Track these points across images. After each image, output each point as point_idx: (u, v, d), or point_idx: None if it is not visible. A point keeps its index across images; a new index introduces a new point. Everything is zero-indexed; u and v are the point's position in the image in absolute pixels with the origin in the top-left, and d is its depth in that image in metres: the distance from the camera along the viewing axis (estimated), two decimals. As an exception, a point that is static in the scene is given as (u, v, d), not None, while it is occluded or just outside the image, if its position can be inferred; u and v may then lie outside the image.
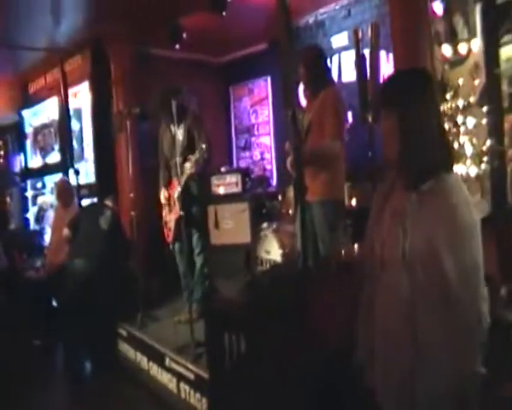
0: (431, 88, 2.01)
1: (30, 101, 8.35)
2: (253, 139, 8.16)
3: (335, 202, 4.08)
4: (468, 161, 4.58)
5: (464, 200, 1.83)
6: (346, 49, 6.39)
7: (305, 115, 4.34)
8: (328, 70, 4.29)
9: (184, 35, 5.91)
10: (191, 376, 4.05)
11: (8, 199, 8.50)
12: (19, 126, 8.60)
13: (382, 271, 1.98)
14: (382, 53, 4.84)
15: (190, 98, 7.46)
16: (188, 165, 4.74)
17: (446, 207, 1.79)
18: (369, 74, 3.87)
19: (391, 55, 5.14)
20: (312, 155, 3.94)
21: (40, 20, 5.94)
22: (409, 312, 1.84)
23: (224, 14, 5.22)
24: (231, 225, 6.43)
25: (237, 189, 6.56)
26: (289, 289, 3.15)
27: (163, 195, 5.19)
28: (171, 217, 5.11)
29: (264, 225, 5.78)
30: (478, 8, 4.89)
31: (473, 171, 4.58)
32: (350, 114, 5.90)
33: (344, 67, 6.44)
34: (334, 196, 4.09)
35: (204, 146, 4.77)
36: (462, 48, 4.92)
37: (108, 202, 5.77)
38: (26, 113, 8.48)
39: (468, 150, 4.58)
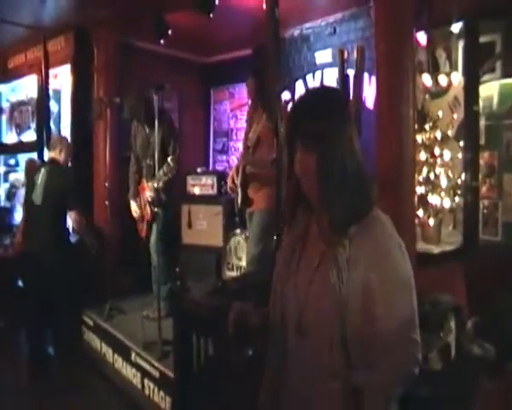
0: (351, 114, 1.76)
1: (8, 76, 8.20)
2: (231, 143, 8.17)
3: (271, 212, 4.34)
4: (443, 193, 4.71)
5: (397, 244, 1.66)
6: (329, 65, 6.46)
7: (252, 126, 4.53)
8: None
9: (170, 31, 5.88)
10: (156, 373, 4.09)
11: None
12: (-5, 100, 8.45)
13: (300, 336, 1.70)
14: (365, 75, 4.93)
15: (171, 96, 7.53)
16: (156, 179, 4.92)
17: (379, 253, 1.60)
18: (351, 95, 3.94)
19: (373, 78, 5.25)
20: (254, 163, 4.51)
21: (26, -3, 5.86)
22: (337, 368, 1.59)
23: (211, 15, 5.21)
24: (204, 227, 6.46)
25: (212, 191, 6.60)
26: (258, 298, 3.18)
27: (133, 208, 5.34)
28: (143, 217, 5.21)
29: (237, 230, 5.83)
30: (461, 44, 5.03)
31: (447, 203, 4.71)
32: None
33: (326, 84, 6.50)
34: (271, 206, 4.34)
35: (172, 164, 4.95)
36: (442, 79, 5.06)
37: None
38: (3, 87, 8.34)
39: (444, 182, 4.70)
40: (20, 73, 7.92)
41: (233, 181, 4.77)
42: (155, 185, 4.92)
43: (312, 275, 1.67)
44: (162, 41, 5.91)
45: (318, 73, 6.61)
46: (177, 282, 5.10)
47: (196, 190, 6.71)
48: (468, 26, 4.90)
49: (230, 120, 8.17)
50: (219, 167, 8.20)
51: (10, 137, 8.22)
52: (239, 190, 4.67)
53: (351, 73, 3.92)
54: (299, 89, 6.83)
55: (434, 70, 5.17)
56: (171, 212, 5.20)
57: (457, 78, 5.00)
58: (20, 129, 7.95)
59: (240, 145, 7.87)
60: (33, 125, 7.64)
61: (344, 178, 1.63)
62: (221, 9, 5.13)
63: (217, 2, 5.10)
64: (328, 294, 1.59)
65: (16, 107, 8.07)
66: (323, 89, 2.07)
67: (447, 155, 4.79)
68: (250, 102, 4.93)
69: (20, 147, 7.87)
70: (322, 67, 6.56)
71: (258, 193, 4.56)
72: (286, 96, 6.74)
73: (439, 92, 5.12)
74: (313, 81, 6.65)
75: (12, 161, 8.08)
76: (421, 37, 5.10)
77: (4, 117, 8.36)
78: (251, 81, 4.70)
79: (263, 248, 4.46)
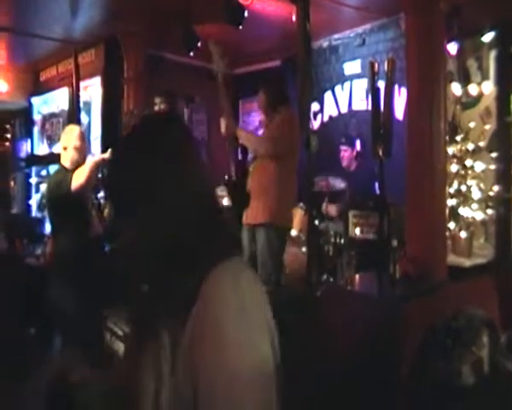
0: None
1: (40, 88, 8.36)
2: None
3: (279, 229, 4.21)
4: (475, 205, 4.65)
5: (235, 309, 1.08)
6: (358, 77, 6.45)
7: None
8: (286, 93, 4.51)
9: (199, 43, 5.93)
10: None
11: (11, 183, 8.46)
12: (28, 113, 8.60)
13: None
14: (395, 87, 4.91)
15: (200, 108, 7.60)
16: None
17: (210, 350, 1.05)
18: (382, 107, 3.92)
19: (403, 89, 5.22)
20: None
21: (58, 10, 5.95)
22: None
23: (240, 27, 5.24)
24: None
25: (241, 202, 6.58)
26: (291, 312, 3.19)
27: None
28: None
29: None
30: (492, 54, 4.97)
31: (478, 215, 4.65)
32: (358, 143, 5.97)
33: (355, 95, 6.49)
34: (278, 222, 4.21)
35: None
36: (473, 89, 5.01)
37: None
38: (35, 100, 8.48)
39: (476, 194, 4.64)
40: (51, 85, 8.06)
41: None
42: None
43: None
44: (191, 53, 5.95)
45: (347, 84, 6.60)
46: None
47: (225, 202, 6.71)
48: (499, 35, 4.85)
49: (259, 130, 8.15)
50: (248, 178, 8.18)
51: (42, 149, 8.34)
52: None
53: (381, 84, 3.90)
54: (328, 100, 6.82)
55: (465, 80, 5.13)
56: None
57: (489, 87, 4.94)
58: (52, 140, 8.07)
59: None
60: (64, 137, 7.74)
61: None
62: (250, 21, 5.15)
63: (246, 14, 5.12)
64: None
65: (48, 119, 8.19)
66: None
67: (479, 166, 4.74)
68: (264, 117, 4.91)
69: (52, 158, 7.95)
70: (351, 78, 6.55)
71: (259, 206, 4.27)
72: (315, 107, 6.74)
73: (470, 103, 5.07)
74: (342, 92, 6.64)
75: (43, 172, 8.19)
76: (452, 47, 5.07)
77: (36, 129, 8.50)
78: (262, 96, 4.66)
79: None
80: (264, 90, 4.72)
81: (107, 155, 4.09)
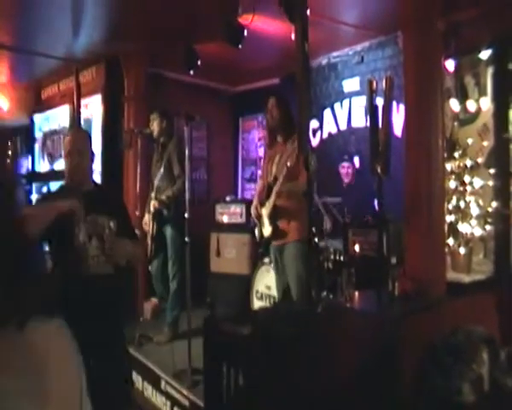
0: None
1: (42, 106, 8.42)
2: (260, 172, 8.16)
3: (305, 243, 4.33)
4: (474, 221, 4.66)
5: None
6: (357, 94, 6.49)
7: (277, 158, 4.55)
8: (294, 118, 4.55)
9: (199, 62, 5.97)
10: (186, 402, 4.10)
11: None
12: (29, 130, 8.67)
13: None
14: (393, 103, 4.94)
15: (200, 125, 7.66)
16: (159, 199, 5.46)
17: None
18: (381, 125, 3.94)
19: (401, 106, 5.25)
20: (290, 190, 4.43)
21: (60, 29, 6.02)
22: None
23: (240, 46, 5.28)
24: (233, 255, 6.47)
25: (241, 219, 6.62)
26: (291, 329, 3.20)
27: (144, 220, 5.61)
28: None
29: (267, 259, 5.79)
30: (489, 71, 5.01)
31: (477, 231, 4.66)
32: (357, 160, 6.00)
33: (354, 112, 6.53)
34: (304, 236, 4.36)
35: (179, 185, 5.38)
36: (471, 105, 5.04)
37: None
38: (37, 117, 8.56)
39: (474, 210, 4.66)
40: (52, 103, 8.13)
41: (257, 210, 4.79)
42: (161, 197, 5.39)
43: None
44: (191, 72, 6.00)
45: (346, 102, 6.64)
46: (207, 311, 5.13)
47: (225, 219, 6.75)
48: (496, 52, 4.88)
49: (259, 148, 8.21)
50: (248, 196, 8.21)
51: (43, 166, 8.39)
52: (266, 221, 4.67)
53: (379, 101, 3.93)
54: (327, 117, 6.86)
55: (463, 97, 5.16)
56: (181, 237, 5.19)
57: (486, 104, 4.97)
58: (53, 158, 8.12)
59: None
60: (65, 155, 7.77)
61: None
62: (249, 40, 5.19)
63: (245, 34, 5.16)
64: None
65: (49, 136, 8.25)
66: None
67: (477, 182, 4.76)
68: (267, 133, 4.93)
69: (53, 175, 8.01)
70: (350, 95, 6.59)
71: (289, 225, 4.53)
72: (314, 124, 6.78)
73: (468, 119, 5.10)
74: (341, 110, 6.68)
75: (44, 189, 8.22)
76: (450, 64, 5.11)
77: (37, 146, 8.55)
78: (276, 111, 4.67)
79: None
80: (278, 106, 4.68)
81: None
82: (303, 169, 4.20)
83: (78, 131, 3.81)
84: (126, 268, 3.22)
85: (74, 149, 3.12)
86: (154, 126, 5.71)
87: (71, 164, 3.13)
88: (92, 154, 3.26)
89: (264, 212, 4.68)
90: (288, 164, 4.26)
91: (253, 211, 4.89)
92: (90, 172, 3.27)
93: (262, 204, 4.73)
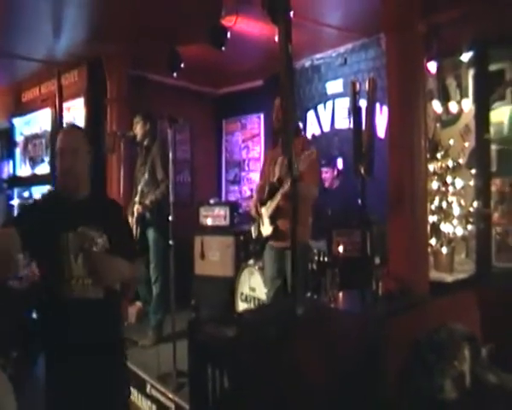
0: None
1: (22, 109, 8.33)
2: (243, 174, 8.23)
3: (307, 246, 4.53)
4: (455, 221, 4.71)
5: None
6: (340, 96, 6.53)
7: (280, 160, 4.55)
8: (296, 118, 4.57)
9: (182, 64, 5.96)
10: (172, 405, 4.08)
11: (-6, 204, 8.41)
12: (9, 134, 8.56)
13: None
14: (376, 105, 4.97)
15: (183, 128, 7.65)
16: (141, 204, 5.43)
17: None
18: (364, 126, 3.96)
19: (384, 108, 5.28)
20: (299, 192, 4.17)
21: (40, 31, 5.95)
22: None
23: (223, 48, 5.28)
24: (217, 257, 6.46)
25: (225, 222, 6.62)
26: (276, 330, 3.20)
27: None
28: None
29: (251, 261, 5.82)
30: (470, 73, 5.07)
31: (459, 231, 4.71)
32: (341, 161, 6.03)
33: (337, 114, 6.56)
34: (306, 239, 4.54)
35: (162, 188, 5.37)
36: (453, 107, 5.09)
37: None
38: (17, 121, 8.45)
39: (456, 210, 4.70)
40: (33, 106, 8.04)
41: (256, 209, 4.80)
42: (145, 202, 5.40)
43: None
44: (175, 74, 5.98)
45: (329, 103, 6.67)
46: (192, 314, 5.10)
47: (209, 221, 6.74)
48: (477, 54, 4.94)
49: (242, 150, 8.23)
50: (232, 198, 8.23)
51: (24, 170, 8.30)
52: (266, 221, 4.67)
53: (362, 103, 3.95)
54: (311, 119, 6.88)
55: (445, 98, 5.21)
56: (165, 240, 5.16)
57: (468, 105, 5.02)
58: (34, 162, 8.04)
59: (253, 175, 7.93)
60: (47, 158, 7.71)
61: None
62: (233, 42, 5.19)
63: (229, 36, 5.16)
64: None
65: (30, 140, 8.16)
66: None
67: (459, 183, 4.80)
68: (272, 133, 4.94)
69: (34, 180, 7.93)
70: (334, 97, 6.62)
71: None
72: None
73: (449, 121, 5.15)
74: (324, 111, 6.70)
75: (26, 194, 8.14)
76: (432, 65, 5.15)
77: (18, 150, 8.45)
78: (281, 112, 4.59)
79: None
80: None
81: None
82: (311, 172, 4.25)
83: (72, 128, 3.12)
84: (119, 293, 2.77)
85: (67, 149, 2.60)
86: (138, 129, 5.69)
87: (62, 166, 2.60)
88: (89, 156, 2.72)
89: (265, 211, 4.69)
90: (301, 169, 4.24)
91: (252, 209, 4.90)
92: (86, 176, 2.71)
93: (262, 203, 4.74)
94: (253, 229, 4.94)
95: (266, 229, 4.71)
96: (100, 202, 2.89)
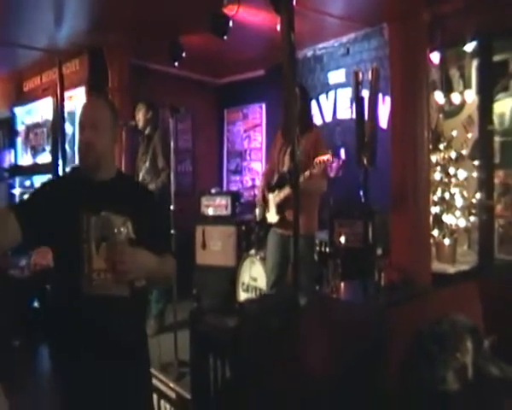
0: None
1: (23, 98, 8.30)
2: (245, 164, 8.19)
3: (313, 237, 4.57)
4: (458, 212, 4.70)
5: None
6: (342, 86, 6.49)
7: (285, 149, 4.53)
8: (311, 111, 4.50)
9: (184, 54, 5.93)
10: (173, 395, 4.07)
11: (-5, 192, 8.40)
12: (11, 123, 8.54)
13: None
14: (379, 95, 4.95)
15: (185, 117, 7.63)
16: None
17: None
18: (367, 116, 3.95)
19: (387, 98, 5.26)
20: (305, 188, 4.18)
21: (41, 20, 5.91)
22: None
23: (225, 37, 5.25)
24: (218, 247, 6.45)
25: (226, 211, 6.59)
26: (278, 320, 3.20)
27: None
28: None
29: (252, 251, 5.82)
30: (474, 64, 5.04)
31: (462, 222, 4.70)
32: (343, 152, 6.00)
33: (339, 104, 6.53)
34: (313, 231, 4.55)
35: (162, 177, 5.43)
36: (456, 97, 5.07)
37: None
38: (18, 110, 8.42)
39: (459, 202, 4.70)
40: (35, 95, 8.01)
41: (263, 194, 4.80)
42: None
43: None
44: (176, 63, 5.95)
45: (332, 94, 6.64)
46: (193, 303, 5.11)
47: (210, 211, 6.72)
48: (481, 45, 4.91)
49: (244, 140, 8.20)
50: (233, 188, 8.21)
51: (26, 159, 8.29)
52: (272, 209, 4.69)
53: (365, 93, 3.93)
54: (313, 109, 6.85)
55: (448, 89, 5.19)
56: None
57: (471, 96, 5.00)
58: (36, 151, 8.03)
59: (254, 165, 7.91)
60: (48, 147, 7.69)
61: None
62: (235, 31, 5.16)
63: (231, 25, 5.14)
64: None
65: (31, 129, 8.14)
66: None
67: (462, 174, 4.79)
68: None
69: (36, 169, 7.91)
70: (336, 87, 6.58)
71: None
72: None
73: (452, 111, 5.13)
74: (327, 101, 6.68)
75: (27, 183, 8.12)
76: (435, 56, 5.12)
77: (20, 139, 8.44)
78: (298, 102, 4.48)
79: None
80: (301, 100, 4.59)
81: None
82: (317, 166, 4.23)
83: (94, 99, 2.69)
84: (145, 291, 2.52)
85: (87, 122, 2.35)
86: (140, 117, 5.69)
87: (81, 142, 2.35)
88: (115, 131, 2.46)
89: (272, 199, 4.69)
90: (314, 171, 4.25)
91: (259, 194, 4.91)
92: (110, 154, 2.44)
93: (270, 189, 4.74)
94: (257, 212, 4.95)
95: (272, 216, 4.71)
96: (127, 185, 2.58)
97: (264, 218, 4.83)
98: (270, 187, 4.77)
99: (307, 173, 4.28)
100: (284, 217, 4.60)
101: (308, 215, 4.40)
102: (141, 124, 5.68)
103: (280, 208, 4.63)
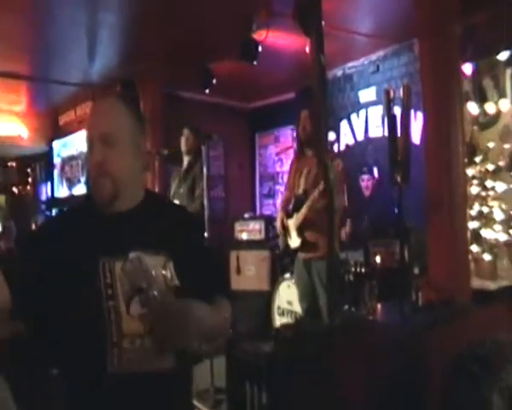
0: None
1: (60, 132, 8.52)
2: (277, 187, 8.18)
3: (337, 257, 4.43)
4: (497, 226, 4.57)
5: None
6: (373, 104, 6.44)
7: (305, 171, 4.50)
8: None
9: (214, 80, 5.98)
10: (210, 422, 4.05)
11: (33, 225, 8.57)
12: (48, 156, 8.76)
13: None
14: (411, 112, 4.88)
15: (217, 143, 7.66)
16: None
17: None
18: (399, 133, 3.89)
19: (419, 113, 5.18)
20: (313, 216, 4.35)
21: (75, 56, 6.10)
22: None
23: (255, 63, 5.28)
24: (253, 272, 6.41)
25: (260, 236, 6.57)
26: (313, 345, 3.14)
27: None
28: None
29: (287, 275, 5.76)
30: (508, 72, 4.94)
31: (502, 236, 4.57)
32: (376, 170, 5.94)
33: (371, 122, 6.47)
34: (336, 251, 4.41)
35: (196, 205, 5.33)
36: (490, 108, 4.96)
37: None
38: (55, 143, 8.65)
39: (498, 215, 4.57)
40: (70, 129, 8.22)
41: (282, 223, 4.76)
42: None
43: None
44: (207, 91, 6.00)
45: (363, 112, 6.59)
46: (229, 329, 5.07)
47: (244, 236, 6.70)
48: (515, 53, 4.82)
49: (276, 163, 8.20)
50: (266, 212, 8.20)
51: (62, 191, 8.46)
52: (293, 233, 4.63)
53: (397, 110, 3.88)
54: (344, 129, 6.81)
55: (482, 100, 5.09)
56: None
57: (506, 105, 4.89)
58: (71, 183, 8.19)
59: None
60: (83, 179, 7.84)
61: None
62: (264, 55, 5.19)
63: (260, 50, 5.16)
64: None
65: (67, 161, 8.33)
66: None
67: (500, 186, 4.67)
68: (297, 145, 4.91)
69: (72, 200, 8.07)
70: (367, 105, 6.54)
71: (317, 238, 4.49)
72: (331, 136, 6.73)
73: (488, 123, 5.02)
74: (358, 120, 6.63)
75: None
76: (467, 67, 5.05)
77: (56, 172, 8.63)
78: (309, 124, 4.57)
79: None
80: (311, 120, 4.57)
81: None
82: (338, 186, 4.19)
83: (109, 100, 1.80)
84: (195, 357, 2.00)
85: (97, 135, 1.64)
86: (185, 142, 5.64)
87: (90, 164, 1.66)
88: (141, 145, 1.73)
89: (292, 223, 4.65)
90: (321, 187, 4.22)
91: (278, 223, 4.87)
92: (133, 178, 1.70)
93: (289, 215, 4.70)
94: (280, 242, 4.91)
95: (294, 241, 4.67)
96: (160, 210, 1.84)
97: (287, 245, 4.79)
98: (288, 213, 4.74)
99: (320, 187, 4.24)
100: (305, 239, 4.57)
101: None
102: (184, 148, 5.64)
103: (300, 231, 4.59)
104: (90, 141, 1.66)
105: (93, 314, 1.55)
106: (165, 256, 1.65)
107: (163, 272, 1.60)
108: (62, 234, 1.68)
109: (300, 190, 4.62)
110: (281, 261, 6.13)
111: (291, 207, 4.70)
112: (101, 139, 1.63)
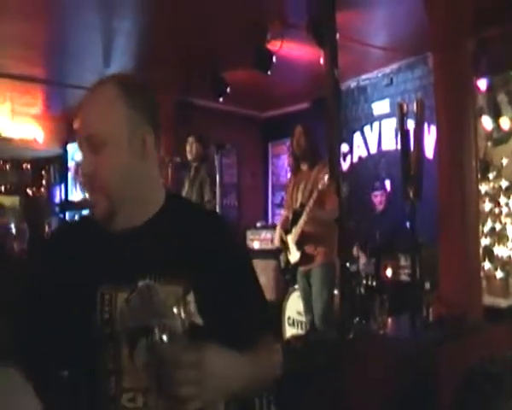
0: None
1: (75, 136, 8.56)
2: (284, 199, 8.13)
3: (334, 265, 4.44)
4: (511, 244, 4.55)
5: None
6: (387, 116, 6.45)
7: (302, 185, 4.51)
8: (319, 146, 4.50)
9: (228, 89, 6.01)
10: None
11: (47, 227, 8.62)
12: (62, 159, 8.82)
13: None
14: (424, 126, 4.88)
15: (230, 152, 7.67)
16: None
17: None
18: (412, 148, 3.89)
19: (432, 127, 5.18)
20: (319, 218, 4.39)
21: (90, 61, 6.14)
22: None
23: (268, 72, 5.30)
24: (263, 281, 6.37)
25: (272, 245, 6.55)
26: (323, 356, 3.14)
27: None
28: None
29: (297, 285, 5.71)
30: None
31: (515, 253, 4.56)
32: (388, 184, 5.93)
33: (384, 135, 6.47)
34: (333, 259, 4.45)
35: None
36: (505, 123, 4.94)
37: None
38: (70, 147, 8.71)
39: (511, 232, 4.55)
40: (84, 132, 8.26)
41: (281, 239, 4.77)
42: None
43: None
44: (221, 99, 6.02)
45: (376, 125, 6.59)
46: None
47: (256, 245, 6.70)
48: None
49: (288, 173, 8.17)
50: (278, 221, 8.16)
51: (75, 195, 8.51)
52: (292, 248, 4.64)
53: (410, 123, 3.88)
54: (357, 141, 6.81)
55: (496, 115, 5.08)
56: None
57: (521, 121, 4.88)
58: (84, 186, 8.25)
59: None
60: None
61: None
62: (278, 65, 5.20)
63: (274, 60, 5.18)
64: None
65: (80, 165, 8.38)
66: None
67: (514, 203, 4.66)
68: (292, 160, 4.91)
69: (85, 204, 8.06)
70: (380, 118, 6.54)
71: (316, 250, 4.51)
72: (344, 148, 6.73)
73: (502, 138, 5.00)
74: (371, 132, 6.63)
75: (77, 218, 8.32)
76: (481, 82, 5.04)
77: (70, 175, 8.68)
78: (303, 139, 4.58)
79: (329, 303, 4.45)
80: (305, 134, 4.58)
81: None
82: (331, 196, 4.21)
83: (102, 87, 1.32)
84: None
85: (82, 138, 1.31)
86: (190, 150, 5.68)
87: (82, 173, 1.33)
88: (145, 143, 1.32)
89: (291, 239, 4.66)
90: (320, 187, 4.23)
91: (276, 240, 4.89)
92: (141, 181, 1.32)
93: (287, 232, 4.72)
94: (281, 259, 4.91)
95: (294, 255, 4.67)
96: (183, 221, 1.36)
97: (287, 262, 4.79)
98: (286, 230, 4.75)
99: (314, 196, 4.31)
100: (304, 251, 4.57)
101: (327, 244, 4.43)
102: (190, 157, 5.68)
103: (299, 245, 4.59)
104: (79, 146, 1.32)
105: (86, 358, 1.25)
106: (185, 285, 1.24)
107: (177, 309, 1.14)
108: (68, 251, 1.35)
109: (298, 204, 4.64)
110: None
111: (290, 222, 4.72)
112: (89, 143, 1.28)
